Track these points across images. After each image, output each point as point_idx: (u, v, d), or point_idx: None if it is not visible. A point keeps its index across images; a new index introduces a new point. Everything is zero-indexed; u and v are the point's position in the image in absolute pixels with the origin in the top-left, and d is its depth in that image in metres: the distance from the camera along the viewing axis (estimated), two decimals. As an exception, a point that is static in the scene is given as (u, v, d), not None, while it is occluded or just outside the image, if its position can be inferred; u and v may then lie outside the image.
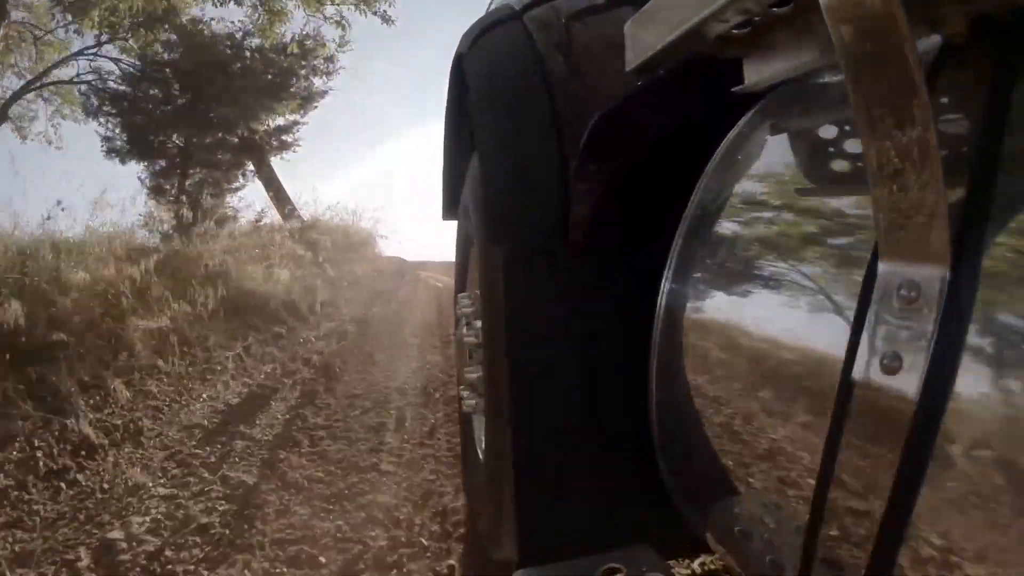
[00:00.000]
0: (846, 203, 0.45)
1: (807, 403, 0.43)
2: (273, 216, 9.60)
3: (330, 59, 9.87)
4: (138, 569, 1.39)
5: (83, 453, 2.09)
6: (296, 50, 9.41)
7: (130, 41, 8.61)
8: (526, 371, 0.82)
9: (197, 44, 8.85)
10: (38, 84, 9.18)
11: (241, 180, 10.00)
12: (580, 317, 0.84)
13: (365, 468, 1.90)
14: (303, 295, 5.46)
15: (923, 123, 0.31)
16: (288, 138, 10.17)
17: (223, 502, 1.70)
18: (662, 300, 0.63)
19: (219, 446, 2.17)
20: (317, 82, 9.96)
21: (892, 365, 0.34)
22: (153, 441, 2.26)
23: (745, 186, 0.58)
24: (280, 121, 10.02)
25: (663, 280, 0.64)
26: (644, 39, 0.59)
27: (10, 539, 1.55)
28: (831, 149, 0.49)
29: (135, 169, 9.02)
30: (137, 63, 8.90)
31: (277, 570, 1.37)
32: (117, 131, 8.95)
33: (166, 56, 9.00)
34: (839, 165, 0.47)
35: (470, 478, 1.39)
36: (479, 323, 1.10)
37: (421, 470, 1.87)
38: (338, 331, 4.61)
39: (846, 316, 0.38)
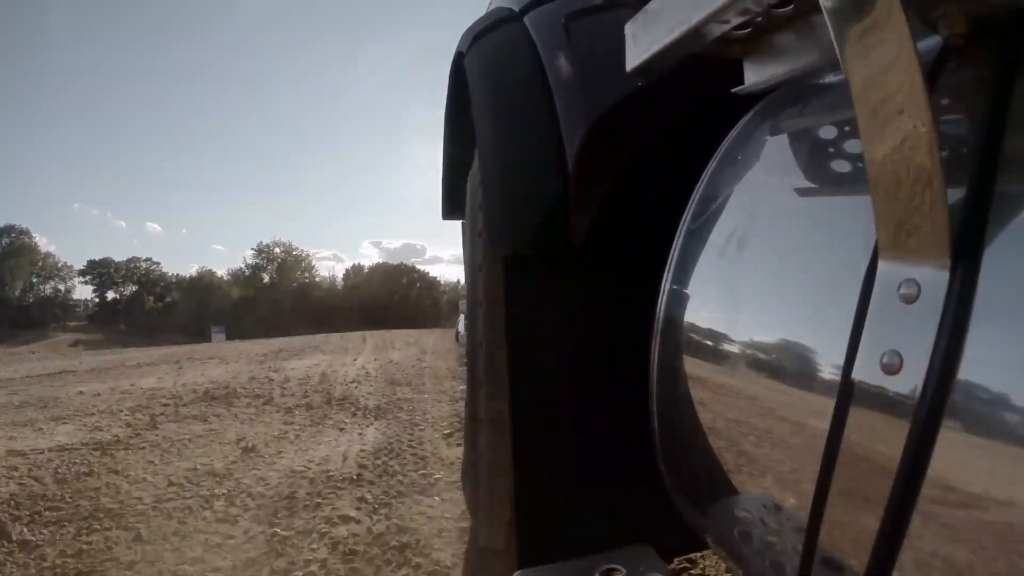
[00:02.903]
0: (846, 203, 0.45)
1: (807, 403, 0.43)
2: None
3: None
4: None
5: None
6: None
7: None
8: (527, 371, 0.82)
9: None
10: None
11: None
12: (580, 317, 0.84)
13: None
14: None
15: (923, 123, 0.31)
16: None
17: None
18: (662, 300, 0.63)
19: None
20: None
21: (892, 365, 0.34)
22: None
23: (745, 186, 0.58)
24: None
25: (663, 280, 0.64)
26: (644, 39, 0.59)
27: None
28: (831, 149, 0.49)
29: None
30: None
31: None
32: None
33: None
34: (839, 165, 0.47)
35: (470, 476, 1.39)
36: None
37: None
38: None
39: (846, 316, 0.38)
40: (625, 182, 0.81)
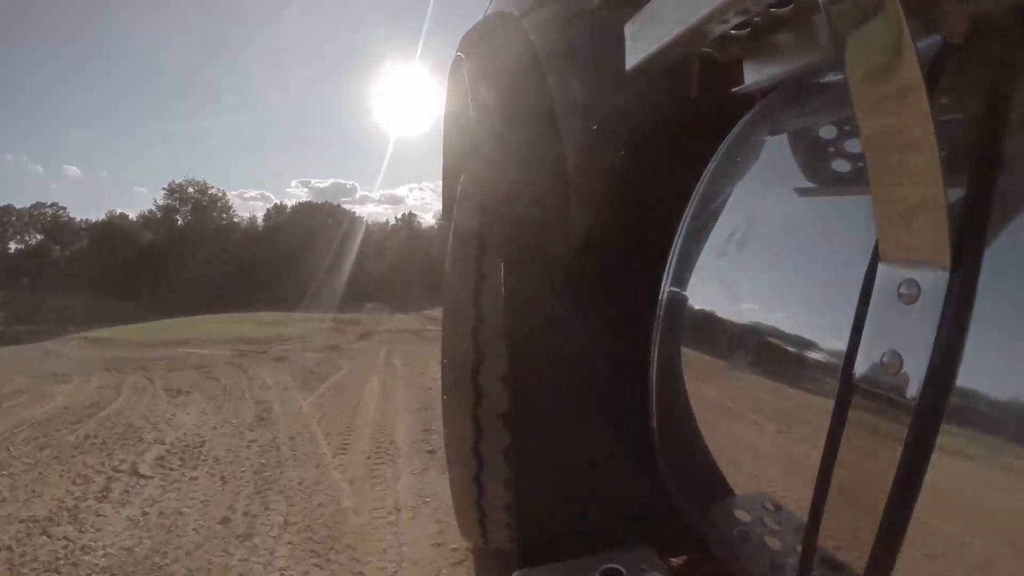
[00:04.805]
0: (846, 203, 0.45)
1: (807, 403, 0.43)
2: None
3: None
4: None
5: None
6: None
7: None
8: (526, 371, 0.82)
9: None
10: None
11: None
12: (580, 317, 0.84)
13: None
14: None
15: (923, 123, 0.31)
16: None
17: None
18: (662, 300, 0.63)
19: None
20: None
21: (892, 365, 0.34)
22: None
23: (745, 186, 0.58)
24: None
25: (663, 280, 0.64)
26: (644, 39, 0.59)
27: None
28: (831, 149, 0.49)
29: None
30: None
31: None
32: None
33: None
34: (839, 165, 0.47)
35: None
36: None
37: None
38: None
39: (846, 316, 0.38)
40: (625, 182, 0.81)
